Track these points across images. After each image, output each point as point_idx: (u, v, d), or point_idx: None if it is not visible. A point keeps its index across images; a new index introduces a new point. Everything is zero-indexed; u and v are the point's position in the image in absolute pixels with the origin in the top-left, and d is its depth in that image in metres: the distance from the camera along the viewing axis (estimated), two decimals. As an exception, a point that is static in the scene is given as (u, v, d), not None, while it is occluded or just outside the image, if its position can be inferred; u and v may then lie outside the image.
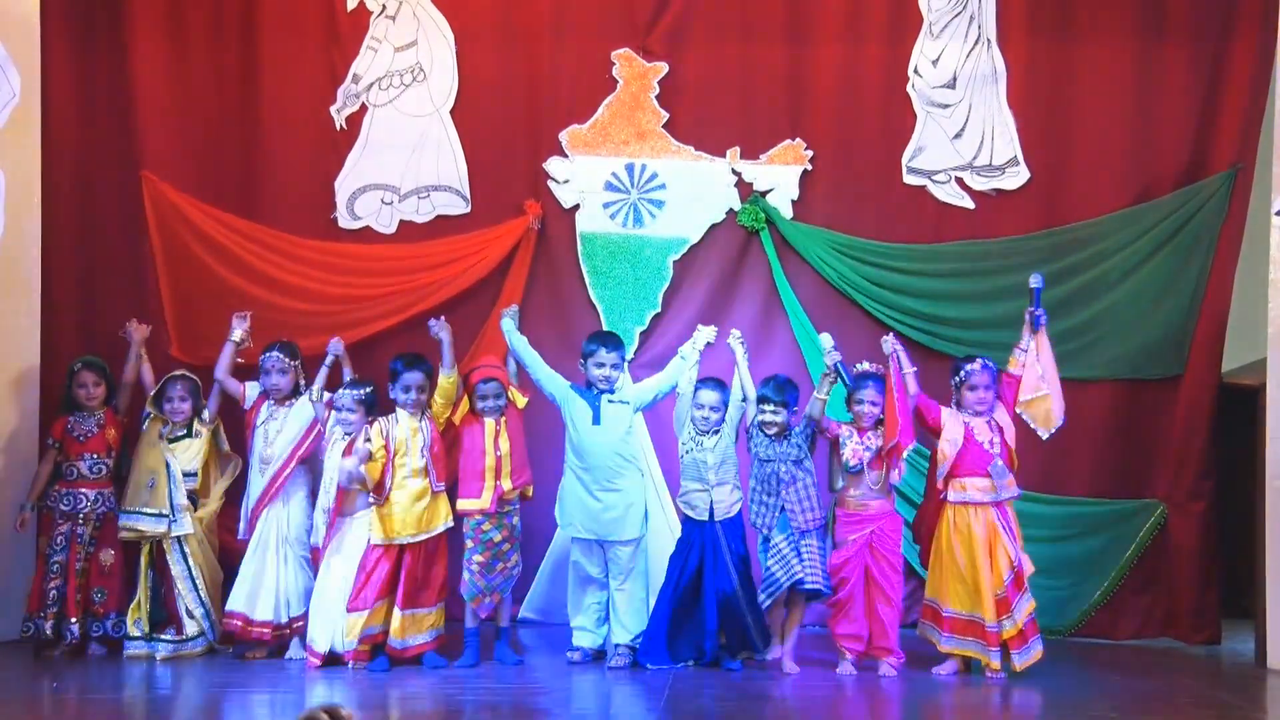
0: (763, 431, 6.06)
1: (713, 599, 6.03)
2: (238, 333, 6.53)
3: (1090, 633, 7.04)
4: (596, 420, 6.16)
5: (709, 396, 6.15)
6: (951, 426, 6.05)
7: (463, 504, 6.10)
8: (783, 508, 5.98)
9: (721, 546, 6.06)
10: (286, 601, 6.24)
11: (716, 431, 6.13)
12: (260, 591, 6.22)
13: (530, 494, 6.27)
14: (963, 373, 6.11)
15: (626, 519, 6.16)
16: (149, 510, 6.29)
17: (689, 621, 6.11)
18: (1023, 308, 7.00)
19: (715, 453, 6.11)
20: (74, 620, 6.29)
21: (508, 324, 6.37)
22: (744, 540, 6.15)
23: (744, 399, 6.12)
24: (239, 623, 6.22)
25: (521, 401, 6.25)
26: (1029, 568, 5.97)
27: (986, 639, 5.87)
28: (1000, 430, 6.04)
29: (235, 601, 6.23)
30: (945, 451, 6.02)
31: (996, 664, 5.87)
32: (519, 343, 6.31)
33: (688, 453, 6.15)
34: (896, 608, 6.03)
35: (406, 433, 6.12)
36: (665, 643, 6.07)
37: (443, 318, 6.31)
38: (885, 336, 6.18)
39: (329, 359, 6.40)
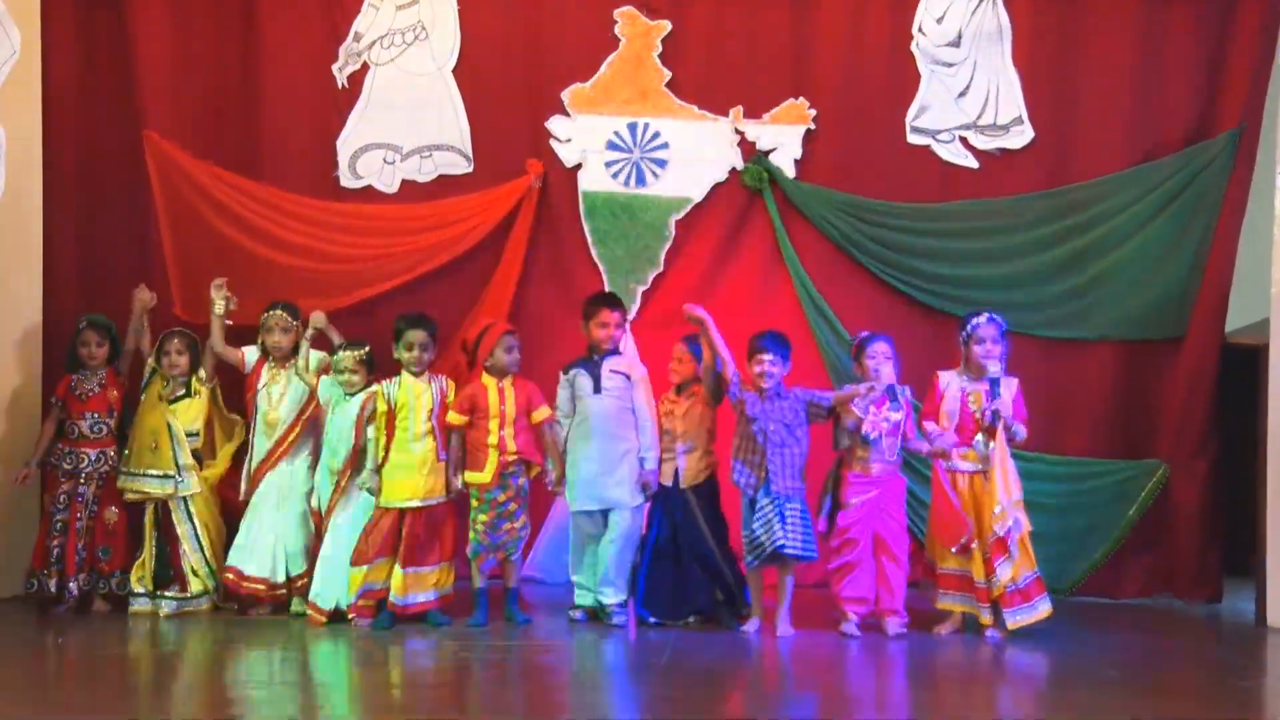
0: (756, 386, 5.96)
1: (692, 560, 6.06)
2: (219, 305, 6.45)
3: (1091, 592, 7.02)
4: (597, 390, 6.15)
5: (679, 350, 6.17)
6: (950, 398, 6.03)
7: (468, 476, 6.08)
8: (767, 469, 5.89)
9: (693, 510, 6.07)
10: (285, 559, 6.24)
11: (691, 394, 6.12)
12: (254, 548, 6.23)
13: (534, 473, 6.20)
14: (969, 326, 6.08)
15: (628, 486, 6.13)
16: (154, 472, 6.30)
17: (678, 578, 6.11)
18: (1028, 265, 7.11)
19: (685, 419, 6.10)
20: (73, 578, 6.30)
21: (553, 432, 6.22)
22: (717, 503, 6.14)
23: (719, 364, 5.98)
24: (232, 576, 6.23)
25: (542, 414, 6.17)
26: (1025, 526, 5.92)
27: (977, 595, 5.90)
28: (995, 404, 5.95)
29: (231, 556, 6.26)
30: (942, 424, 6.04)
31: (987, 619, 5.90)
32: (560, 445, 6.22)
33: (660, 421, 6.16)
34: (904, 568, 6.01)
35: (410, 395, 6.07)
36: (654, 597, 6.08)
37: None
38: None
39: (309, 332, 6.35)
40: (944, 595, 6.02)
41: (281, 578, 6.24)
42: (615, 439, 6.13)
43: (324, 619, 6.05)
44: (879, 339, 6.08)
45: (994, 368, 5.96)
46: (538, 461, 6.17)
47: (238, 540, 6.26)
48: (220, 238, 7.11)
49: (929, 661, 5.66)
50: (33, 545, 6.43)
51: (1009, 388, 6.06)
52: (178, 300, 7.04)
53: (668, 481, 6.12)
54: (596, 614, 6.24)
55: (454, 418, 6.08)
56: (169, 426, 6.35)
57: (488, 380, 6.12)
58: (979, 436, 5.99)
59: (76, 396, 6.46)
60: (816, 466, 6.13)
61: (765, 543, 5.85)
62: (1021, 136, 7.16)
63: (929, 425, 6.07)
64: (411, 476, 6.04)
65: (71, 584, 6.31)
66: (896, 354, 6.09)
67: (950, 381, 6.08)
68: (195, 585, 6.30)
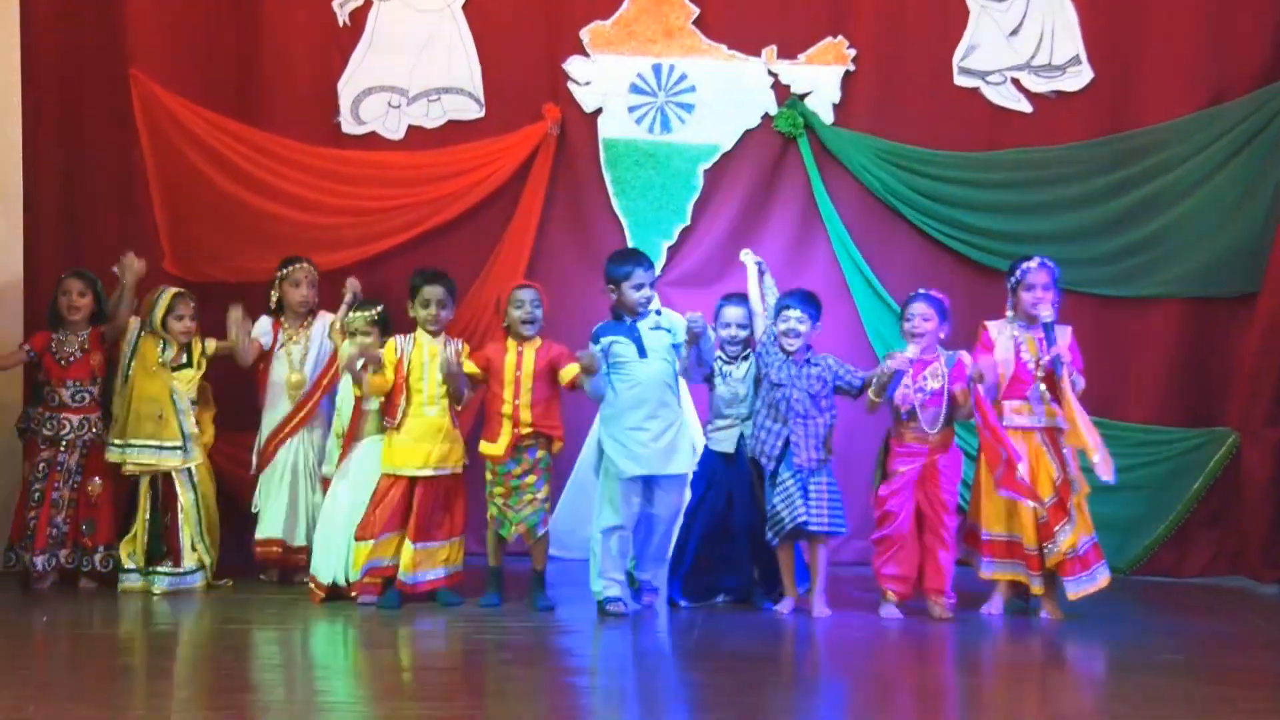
0: (782, 348, 5.70)
1: (744, 531, 5.82)
2: (241, 342, 6.15)
3: (1153, 570, 6.85)
4: (643, 354, 5.79)
5: (733, 313, 5.90)
6: (1002, 346, 5.76)
7: (482, 447, 5.81)
8: (788, 439, 5.62)
9: (753, 483, 5.82)
10: None
11: (746, 356, 5.87)
12: (296, 518, 6.16)
13: (556, 450, 5.88)
14: (1019, 271, 5.82)
15: (677, 452, 5.79)
16: (160, 443, 6.01)
17: (719, 557, 5.90)
18: (1085, 218, 6.90)
19: (746, 382, 5.84)
20: (42, 552, 6.02)
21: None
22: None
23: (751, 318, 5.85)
24: (277, 549, 6.15)
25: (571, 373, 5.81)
26: (1082, 488, 5.65)
27: (1028, 562, 5.66)
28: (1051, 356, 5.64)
29: (273, 529, 6.14)
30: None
31: (1038, 588, 5.67)
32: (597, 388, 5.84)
33: (717, 386, 5.88)
34: (951, 548, 5.73)
35: (425, 356, 5.83)
36: (694, 577, 5.87)
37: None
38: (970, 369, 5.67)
39: (349, 297, 6.26)
40: (990, 563, 5.78)
41: None
42: (661, 403, 5.77)
43: (323, 593, 5.84)
44: (919, 298, 5.78)
45: (1046, 312, 5.68)
46: (559, 436, 5.87)
47: (271, 512, 6.16)
48: (212, 187, 6.90)
49: (976, 645, 5.45)
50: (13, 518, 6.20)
51: (1063, 335, 5.79)
52: (168, 253, 6.82)
53: (729, 449, 5.86)
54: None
55: (469, 366, 5.84)
56: (173, 394, 6.07)
57: (509, 343, 5.86)
58: (1036, 387, 5.69)
59: (56, 361, 6.16)
60: (869, 437, 5.93)
61: (785, 518, 5.63)
62: (1079, 78, 6.94)
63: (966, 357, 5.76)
64: (423, 443, 5.78)
65: (38, 559, 6.03)
66: (946, 313, 5.77)
67: (1001, 329, 5.82)
68: (190, 560, 6.05)
